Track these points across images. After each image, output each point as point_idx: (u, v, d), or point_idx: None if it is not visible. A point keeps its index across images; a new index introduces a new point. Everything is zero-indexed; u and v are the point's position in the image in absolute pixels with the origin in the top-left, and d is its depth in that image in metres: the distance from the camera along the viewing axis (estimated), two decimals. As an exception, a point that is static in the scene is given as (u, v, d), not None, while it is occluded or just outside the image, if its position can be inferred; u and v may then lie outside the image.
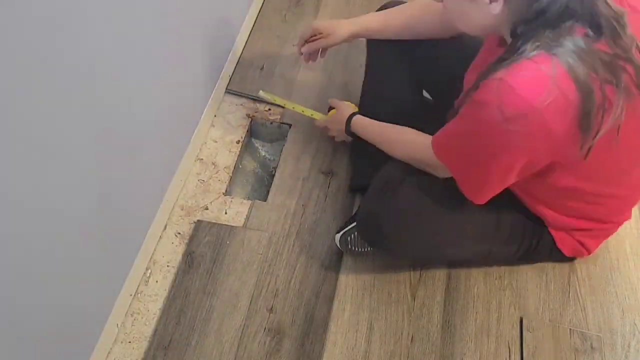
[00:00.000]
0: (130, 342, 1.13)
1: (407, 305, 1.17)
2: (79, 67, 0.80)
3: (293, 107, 1.42)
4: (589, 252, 1.15)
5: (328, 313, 1.17)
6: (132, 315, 1.16)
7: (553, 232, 1.09)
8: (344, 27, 1.25)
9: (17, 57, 0.66)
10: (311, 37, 1.27)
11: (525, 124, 0.79)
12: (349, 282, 1.19)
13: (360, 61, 1.52)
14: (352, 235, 1.18)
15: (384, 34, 1.26)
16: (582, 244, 1.11)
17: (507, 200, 1.02)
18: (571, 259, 1.21)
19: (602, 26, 0.77)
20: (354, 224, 1.16)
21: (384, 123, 1.19)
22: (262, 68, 1.58)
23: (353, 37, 1.27)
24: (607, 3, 0.77)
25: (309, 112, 1.41)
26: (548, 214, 1.05)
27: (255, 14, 1.71)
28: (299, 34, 1.29)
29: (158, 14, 1.03)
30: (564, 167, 0.90)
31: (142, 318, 1.16)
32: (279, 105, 1.46)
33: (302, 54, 1.30)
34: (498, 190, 0.95)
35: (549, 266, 1.24)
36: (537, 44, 0.78)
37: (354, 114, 1.27)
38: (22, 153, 0.71)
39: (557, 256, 1.15)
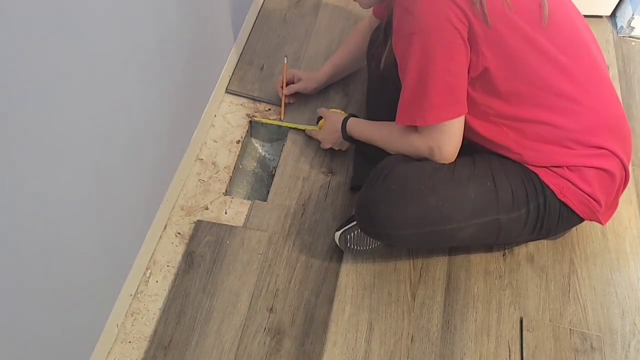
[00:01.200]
0: (130, 342, 1.13)
1: (407, 305, 1.17)
2: (79, 67, 0.80)
3: (286, 125, 1.47)
4: (600, 205, 1.08)
5: (328, 313, 1.17)
6: (132, 315, 1.16)
7: (540, 173, 1.06)
8: (316, 77, 1.48)
9: (17, 57, 0.66)
10: (288, 81, 1.48)
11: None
12: (349, 282, 1.19)
13: (360, 61, 1.53)
14: (352, 234, 1.18)
15: (342, 73, 1.52)
16: (582, 190, 1.06)
17: (493, 164, 1.09)
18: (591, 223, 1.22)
19: None
20: (354, 222, 1.17)
21: (378, 122, 1.22)
22: (262, 68, 1.58)
23: (322, 86, 1.51)
24: None
25: (301, 126, 1.45)
26: (513, 140, 1.07)
27: (255, 14, 1.71)
28: (279, 78, 1.49)
29: (158, 14, 1.03)
30: (486, 57, 1.00)
31: (142, 318, 1.16)
32: (278, 125, 1.48)
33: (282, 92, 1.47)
34: (461, 93, 1.03)
35: (549, 266, 1.25)
36: None
37: (347, 118, 1.29)
38: (22, 153, 0.71)
39: (571, 217, 1.10)
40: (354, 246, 1.19)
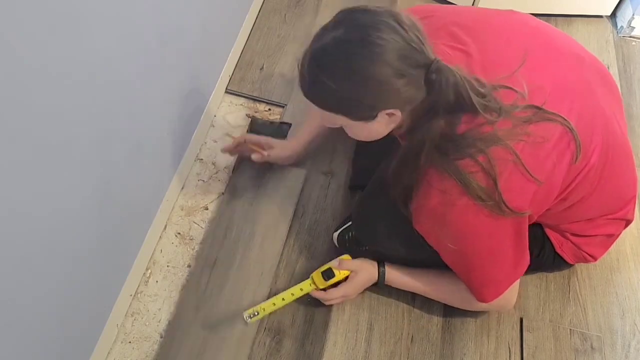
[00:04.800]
0: (130, 342, 1.13)
1: (407, 305, 1.17)
2: (80, 68, 0.80)
3: (283, 299, 1.11)
4: (595, 259, 1.12)
5: (328, 313, 1.17)
6: (132, 315, 1.16)
7: (550, 234, 1.08)
8: (289, 147, 1.28)
9: (17, 57, 0.66)
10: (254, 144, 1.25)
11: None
12: (349, 282, 1.19)
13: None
14: (350, 234, 1.18)
15: (319, 139, 1.29)
16: (581, 249, 1.09)
17: None
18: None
19: (467, 108, 0.84)
20: (351, 223, 1.17)
21: (425, 272, 1.10)
22: (262, 68, 1.58)
23: (298, 155, 1.30)
24: (475, 89, 0.84)
25: (298, 292, 1.11)
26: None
27: (255, 14, 1.71)
28: (245, 137, 1.26)
29: (158, 14, 1.03)
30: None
31: (142, 318, 1.16)
32: (270, 313, 1.13)
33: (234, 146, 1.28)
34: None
35: (549, 266, 1.25)
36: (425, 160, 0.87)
37: (380, 269, 1.10)
38: (23, 153, 0.71)
39: (561, 264, 1.14)
40: (352, 246, 1.19)
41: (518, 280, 1.03)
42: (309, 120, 1.29)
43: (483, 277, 0.98)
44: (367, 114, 0.86)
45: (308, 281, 1.11)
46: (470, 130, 0.85)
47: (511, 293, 1.04)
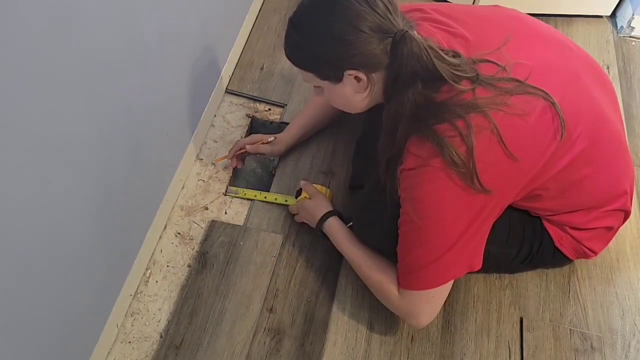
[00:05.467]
0: (130, 342, 1.13)
1: (407, 305, 1.17)
2: (79, 68, 0.80)
3: (265, 197, 1.33)
4: (596, 254, 1.11)
5: (328, 313, 1.17)
6: (132, 315, 1.16)
7: (548, 227, 1.07)
8: (284, 140, 1.35)
9: (17, 57, 0.66)
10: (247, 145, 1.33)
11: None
12: (349, 282, 1.19)
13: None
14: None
15: (311, 131, 1.39)
16: (581, 243, 1.09)
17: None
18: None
19: (440, 78, 0.87)
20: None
21: (356, 246, 1.11)
22: (262, 68, 1.59)
23: (290, 147, 1.38)
24: (443, 58, 0.87)
25: (282, 199, 1.32)
26: (535, 211, 1.06)
27: (255, 14, 1.71)
28: (239, 142, 1.34)
29: (158, 14, 1.03)
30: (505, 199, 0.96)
31: (142, 318, 1.16)
32: (249, 199, 1.34)
33: (233, 157, 1.35)
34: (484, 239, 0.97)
35: (549, 266, 1.25)
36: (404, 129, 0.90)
37: (328, 215, 1.17)
38: (23, 153, 0.71)
39: (561, 259, 1.13)
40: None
41: (440, 300, 1.00)
42: (299, 115, 1.38)
43: (420, 258, 0.94)
44: (332, 73, 0.92)
45: (290, 197, 1.31)
46: (449, 98, 0.87)
47: (430, 303, 0.99)
